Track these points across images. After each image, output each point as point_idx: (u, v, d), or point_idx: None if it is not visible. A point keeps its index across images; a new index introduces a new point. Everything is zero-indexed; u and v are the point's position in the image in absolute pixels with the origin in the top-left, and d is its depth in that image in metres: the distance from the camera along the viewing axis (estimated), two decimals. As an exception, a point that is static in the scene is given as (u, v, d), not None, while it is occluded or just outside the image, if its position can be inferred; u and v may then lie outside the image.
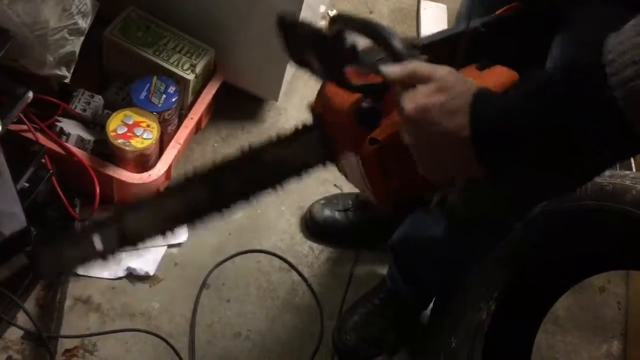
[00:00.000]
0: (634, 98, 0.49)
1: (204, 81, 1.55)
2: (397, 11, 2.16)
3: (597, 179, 1.13)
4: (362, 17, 0.73)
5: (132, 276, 1.41)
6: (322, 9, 1.98)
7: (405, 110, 0.63)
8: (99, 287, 1.38)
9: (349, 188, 1.62)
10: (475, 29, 0.83)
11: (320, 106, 0.79)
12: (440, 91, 0.61)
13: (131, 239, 0.83)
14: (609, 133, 0.53)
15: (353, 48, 0.68)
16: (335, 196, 1.58)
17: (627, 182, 1.09)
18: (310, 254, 1.55)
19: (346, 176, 0.81)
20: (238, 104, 1.70)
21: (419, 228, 1.25)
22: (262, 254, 1.52)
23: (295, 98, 1.81)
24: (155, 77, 1.42)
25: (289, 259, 1.52)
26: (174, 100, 1.41)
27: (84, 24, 1.22)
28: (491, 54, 0.80)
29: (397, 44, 0.67)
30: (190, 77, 1.45)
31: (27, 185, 1.26)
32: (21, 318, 1.29)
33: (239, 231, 1.54)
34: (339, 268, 1.53)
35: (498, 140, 0.59)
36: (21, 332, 1.28)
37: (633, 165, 1.63)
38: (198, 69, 1.47)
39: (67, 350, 1.29)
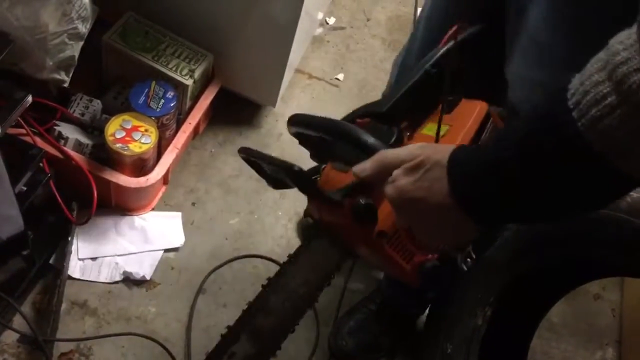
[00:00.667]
0: (607, 138, 0.47)
1: (202, 86, 1.56)
2: (394, 19, 2.17)
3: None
4: (320, 118, 0.75)
5: (128, 280, 1.41)
6: (320, 16, 2.00)
7: (388, 197, 0.64)
8: (95, 291, 1.38)
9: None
10: (426, 72, 0.83)
11: (315, 213, 0.80)
12: (414, 169, 0.62)
13: None
14: (592, 176, 0.51)
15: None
16: (332, 202, 1.59)
17: (622, 190, 1.10)
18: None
19: (369, 264, 0.82)
20: (236, 109, 1.71)
21: None
22: (259, 259, 1.52)
23: (292, 104, 1.82)
24: (154, 82, 1.43)
25: (286, 264, 1.52)
26: (172, 105, 1.42)
27: (84, 28, 1.23)
28: (453, 87, 0.80)
29: (365, 138, 0.70)
30: (189, 82, 1.46)
31: (24, 188, 1.26)
32: (17, 321, 1.29)
33: (236, 236, 1.54)
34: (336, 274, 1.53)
35: (483, 200, 0.58)
36: (17, 336, 1.28)
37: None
38: (196, 74, 1.48)
39: (62, 354, 1.29)
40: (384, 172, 0.64)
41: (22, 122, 1.32)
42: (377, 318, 1.44)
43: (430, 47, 0.86)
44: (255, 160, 0.78)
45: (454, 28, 0.84)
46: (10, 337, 1.28)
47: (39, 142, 1.33)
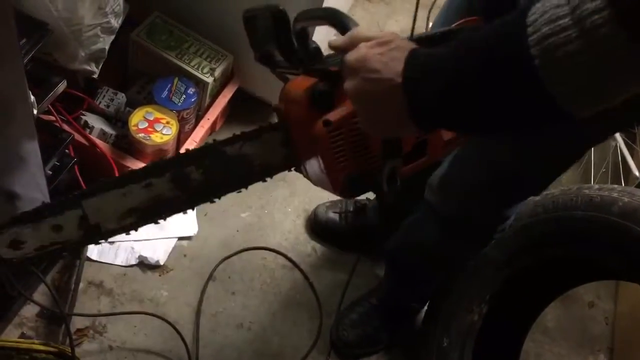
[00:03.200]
0: (549, 55, 0.51)
1: (221, 85, 1.64)
2: (407, 32, 2.24)
3: (587, 191, 1.21)
4: (320, 7, 0.78)
5: (143, 264, 1.48)
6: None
7: (347, 61, 0.66)
8: (112, 273, 1.46)
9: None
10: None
11: (282, 103, 0.81)
12: (381, 45, 0.65)
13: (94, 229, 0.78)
14: (527, 93, 0.54)
15: (317, 49, 0.73)
16: (341, 200, 1.65)
17: (615, 195, 1.16)
18: (313, 254, 1.62)
19: (310, 179, 0.83)
20: (252, 110, 1.78)
21: (412, 234, 1.30)
22: (267, 252, 1.59)
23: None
24: (176, 78, 1.51)
25: (293, 257, 1.59)
26: (193, 100, 1.50)
27: (116, 23, 1.31)
28: None
29: (351, 24, 0.72)
30: (209, 80, 1.54)
31: (50, 172, 1.34)
32: (37, 298, 1.36)
33: (247, 229, 1.61)
34: (340, 269, 1.60)
35: (424, 92, 0.60)
36: (36, 310, 1.35)
37: (622, 179, 1.72)
38: (217, 73, 1.56)
39: (78, 330, 1.36)
40: (354, 44, 0.67)
41: (52, 110, 1.40)
42: (378, 312, 1.50)
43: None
44: (253, 15, 0.78)
45: (471, 18, 0.88)
46: (30, 311, 1.35)
47: (67, 129, 1.40)
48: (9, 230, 0.77)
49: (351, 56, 0.66)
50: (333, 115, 0.74)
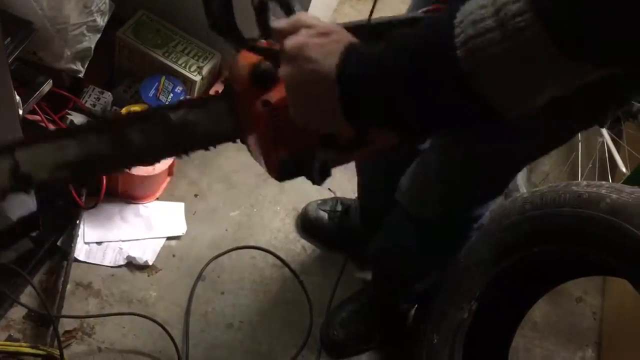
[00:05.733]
0: (473, 56, 0.51)
1: (208, 84, 1.63)
2: (394, 29, 2.25)
3: (575, 187, 1.21)
4: None
5: (131, 265, 1.47)
6: (323, 22, 2.08)
7: (286, 46, 0.64)
8: (100, 274, 1.44)
9: (341, 192, 1.70)
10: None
11: (230, 76, 0.80)
12: (321, 35, 0.63)
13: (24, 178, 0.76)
14: (454, 92, 0.55)
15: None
16: (331, 199, 1.65)
17: (603, 191, 1.17)
18: (303, 253, 1.62)
19: (251, 155, 0.81)
20: (239, 108, 1.78)
21: (391, 235, 1.31)
22: (257, 251, 1.59)
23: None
24: (163, 77, 1.50)
25: (282, 256, 1.59)
26: (180, 99, 1.49)
27: (102, 22, 1.30)
28: None
29: (297, 5, 0.72)
30: (197, 78, 1.53)
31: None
32: (24, 300, 1.35)
33: (236, 228, 1.61)
34: (330, 267, 1.60)
35: (357, 87, 0.60)
36: (23, 313, 1.34)
37: (609, 175, 1.73)
38: (204, 71, 1.55)
39: (67, 332, 1.34)
40: (296, 28, 0.66)
41: (37, 110, 1.38)
42: (368, 311, 1.49)
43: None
44: None
45: (437, 6, 0.85)
46: (17, 313, 1.34)
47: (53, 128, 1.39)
48: None
49: (290, 41, 0.64)
50: (272, 96, 0.73)
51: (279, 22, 0.69)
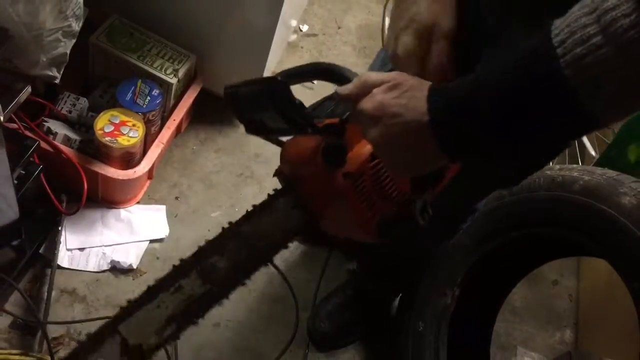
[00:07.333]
0: (584, 75, 0.52)
1: (184, 86, 1.64)
2: (364, 27, 2.29)
3: (548, 172, 1.26)
4: (307, 64, 0.77)
5: (115, 269, 1.47)
6: (294, 23, 2.10)
7: (364, 110, 0.65)
8: (84, 280, 1.44)
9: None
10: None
11: (286, 167, 0.80)
12: (395, 87, 0.64)
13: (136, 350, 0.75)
14: (562, 112, 0.56)
15: (301, 104, 0.72)
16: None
17: (575, 174, 1.22)
18: (286, 250, 1.63)
19: (331, 231, 0.81)
20: (216, 109, 1.79)
21: None
22: (240, 249, 1.60)
23: (269, 105, 1.90)
24: (139, 81, 1.50)
25: (266, 254, 1.60)
26: (158, 102, 1.49)
27: (77, 26, 1.29)
28: None
29: (347, 72, 0.73)
30: (173, 80, 1.54)
31: (16, 182, 1.31)
32: (8, 308, 1.33)
33: (218, 228, 1.57)
34: (313, 262, 1.62)
35: (455, 124, 0.61)
36: (8, 322, 1.33)
37: (579, 158, 1.79)
38: (180, 74, 1.55)
39: (53, 339, 1.34)
40: (365, 90, 0.66)
41: (14, 117, 1.37)
42: (353, 303, 1.52)
43: None
44: (236, 90, 0.76)
45: None
46: (2, 323, 1.33)
47: (31, 136, 1.38)
48: None
49: (367, 104, 0.65)
50: (350, 167, 0.73)
51: (344, 88, 0.70)
